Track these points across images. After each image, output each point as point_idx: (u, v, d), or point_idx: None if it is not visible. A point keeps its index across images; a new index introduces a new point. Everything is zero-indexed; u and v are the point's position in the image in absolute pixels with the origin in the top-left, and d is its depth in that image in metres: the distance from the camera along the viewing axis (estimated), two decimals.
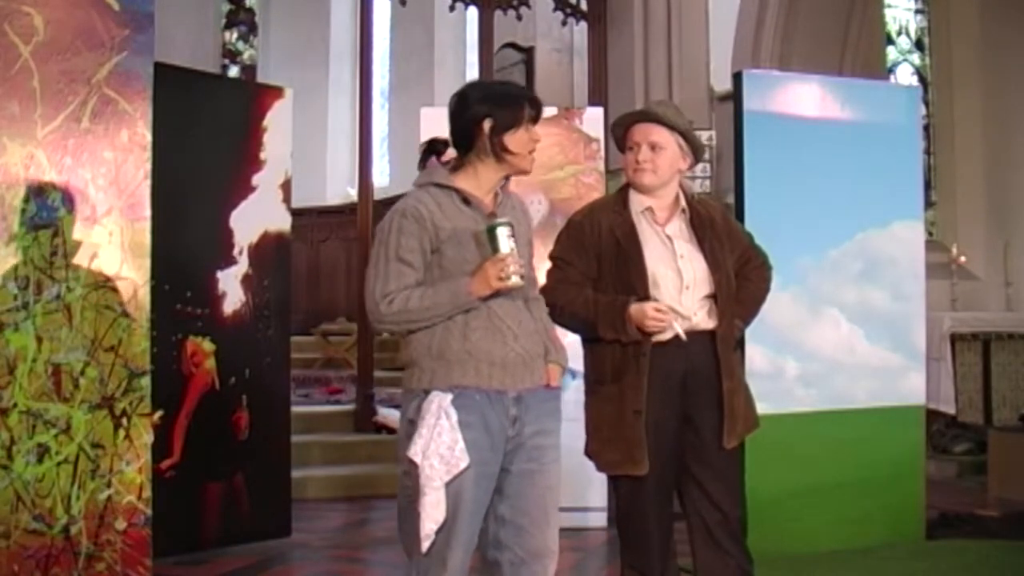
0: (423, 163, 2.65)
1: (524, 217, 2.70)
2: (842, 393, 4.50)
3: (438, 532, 2.44)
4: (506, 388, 2.51)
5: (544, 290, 2.96)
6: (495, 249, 2.45)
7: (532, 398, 2.56)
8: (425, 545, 2.44)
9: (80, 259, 3.12)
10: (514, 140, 2.55)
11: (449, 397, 2.46)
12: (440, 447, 2.42)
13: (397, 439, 2.59)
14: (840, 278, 4.56)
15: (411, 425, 2.49)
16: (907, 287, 4.68)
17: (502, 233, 2.45)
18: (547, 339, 2.64)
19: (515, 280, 2.44)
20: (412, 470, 2.45)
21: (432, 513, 2.43)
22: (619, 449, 2.83)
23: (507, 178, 2.63)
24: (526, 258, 2.58)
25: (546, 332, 2.66)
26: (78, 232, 3.12)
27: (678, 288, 2.86)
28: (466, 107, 2.56)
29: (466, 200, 2.55)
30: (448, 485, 2.43)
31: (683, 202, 2.97)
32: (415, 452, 2.43)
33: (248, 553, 4.52)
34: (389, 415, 6.50)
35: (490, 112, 2.53)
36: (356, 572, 4.39)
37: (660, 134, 2.91)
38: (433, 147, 2.65)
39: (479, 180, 2.58)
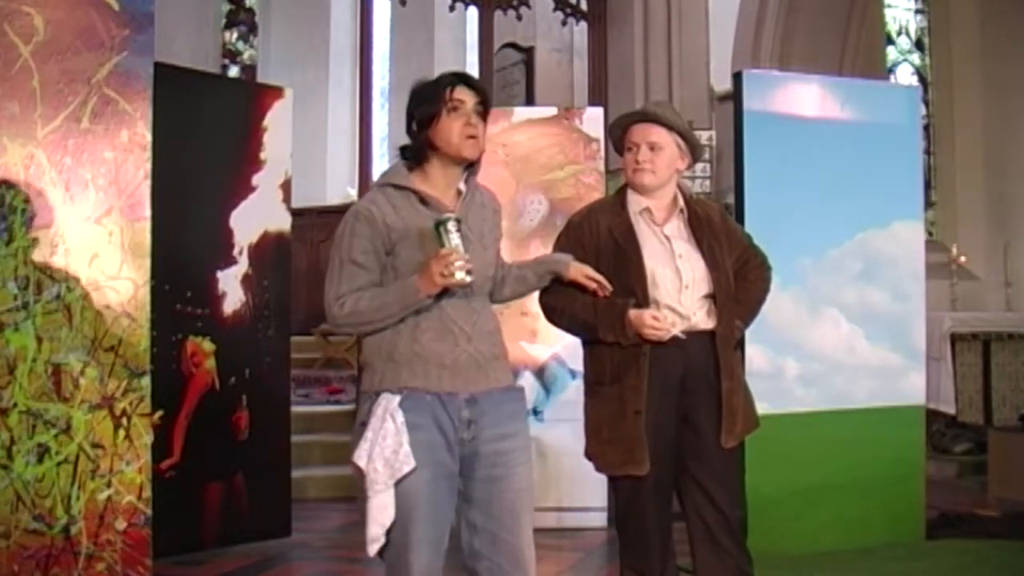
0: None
1: (491, 213, 2.63)
2: (842, 393, 4.50)
3: (390, 534, 2.39)
4: (457, 391, 2.45)
5: (543, 293, 2.97)
6: (441, 245, 2.38)
7: (487, 400, 2.49)
8: (373, 548, 2.39)
9: (80, 259, 3.12)
10: (437, 132, 2.47)
11: (396, 399, 2.40)
12: (385, 450, 2.38)
13: (350, 443, 2.52)
14: (840, 278, 4.56)
15: (362, 427, 2.45)
16: (907, 287, 4.68)
17: (444, 229, 2.38)
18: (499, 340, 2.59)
19: (460, 276, 2.36)
20: (359, 474, 2.41)
21: (377, 516, 2.38)
22: (619, 450, 2.83)
23: (469, 172, 2.55)
24: (481, 253, 2.51)
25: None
26: (78, 232, 3.12)
27: (677, 288, 2.86)
28: (407, 108, 2.55)
29: (423, 200, 2.49)
30: (398, 487, 2.38)
31: (681, 202, 2.97)
32: (360, 456, 2.39)
33: (248, 553, 4.52)
34: None
35: (411, 111, 2.52)
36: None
37: (659, 134, 2.91)
38: (403, 154, 2.60)
39: (431, 179, 2.53)
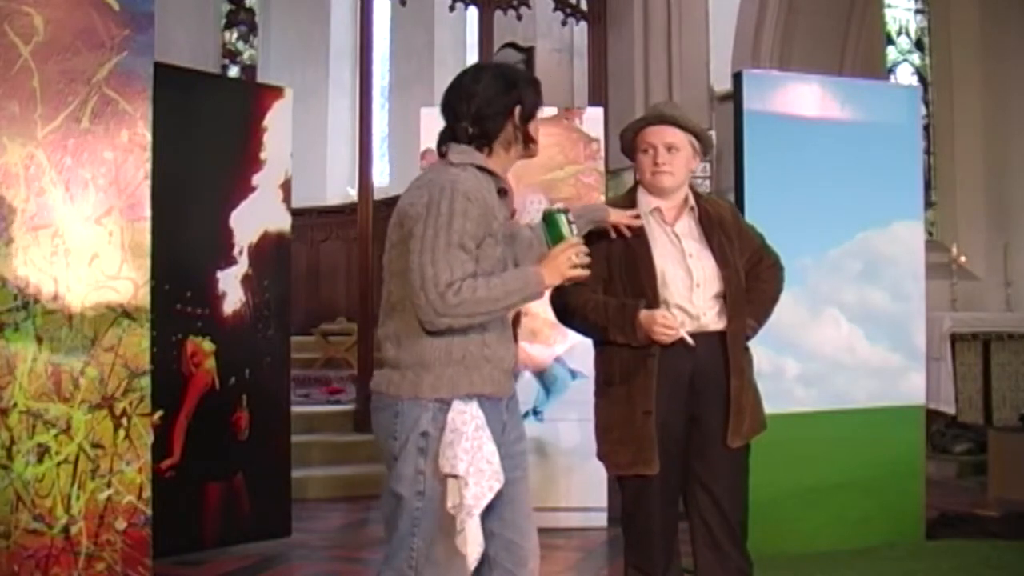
0: (440, 147, 2.47)
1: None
2: (842, 393, 4.50)
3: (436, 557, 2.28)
4: (505, 395, 2.40)
5: (555, 292, 2.97)
6: (557, 236, 2.31)
7: (513, 403, 2.47)
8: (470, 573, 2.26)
9: (80, 259, 3.12)
10: (535, 127, 2.46)
11: (476, 405, 2.28)
12: (481, 462, 2.23)
13: (396, 456, 2.32)
14: (840, 278, 4.56)
15: (424, 438, 2.27)
16: (907, 287, 4.68)
17: (563, 219, 2.32)
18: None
19: (583, 270, 2.34)
20: (439, 490, 2.25)
21: (478, 537, 2.24)
22: (630, 450, 2.83)
23: None
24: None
25: None
26: (78, 232, 3.12)
27: (688, 287, 2.86)
28: (507, 91, 2.41)
29: (502, 191, 2.41)
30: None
31: (692, 200, 2.97)
32: (462, 468, 2.20)
33: (248, 553, 4.52)
34: None
35: (523, 98, 2.41)
36: (356, 572, 4.39)
37: (675, 135, 2.92)
38: (455, 132, 2.46)
39: (500, 169, 2.45)
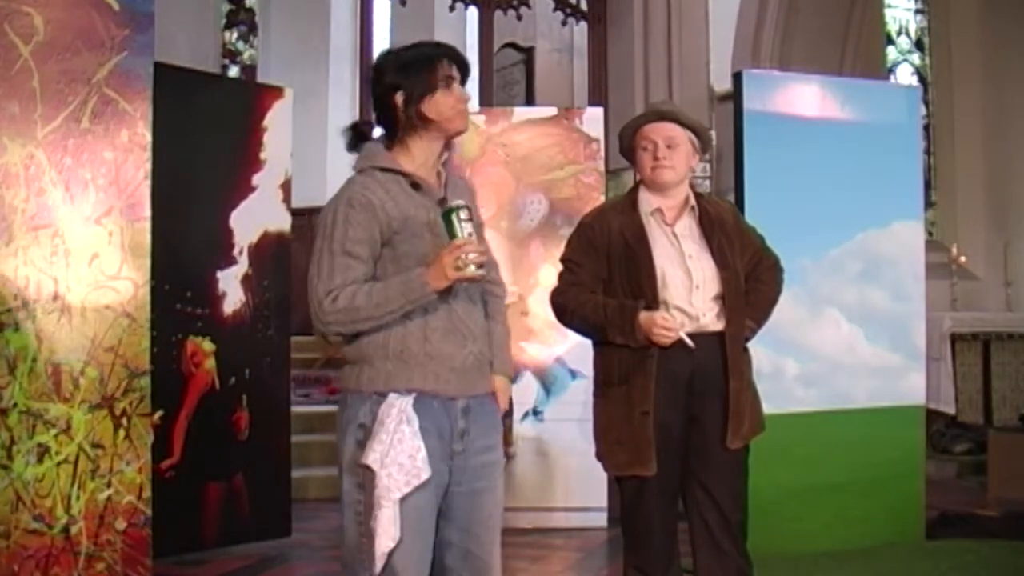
0: (353, 149, 2.43)
1: (472, 196, 2.46)
2: (842, 393, 4.50)
3: (393, 552, 2.22)
4: (458, 395, 2.32)
5: (555, 292, 2.98)
6: (452, 235, 2.22)
7: (479, 408, 2.37)
8: (379, 566, 2.22)
9: (80, 259, 3.12)
10: (432, 106, 2.32)
11: (409, 400, 2.26)
12: (400, 455, 2.21)
13: (340, 446, 2.36)
14: (840, 278, 4.56)
15: (361, 430, 2.29)
16: (907, 287, 4.68)
17: (457, 217, 2.22)
18: (490, 341, 2.42)
19: (473, 270, 2.21)
20: (367, 480, 2.25)
21: (389, 530, 2.20)
22: (628, 450, 2.83)
23: (447, 151, 2.41)
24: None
25: (490, 333, 2.44)
26: (78, 232, 3.12)
27: (688, 288, 2.86)
28: (378, 82, 2.35)
29: (415, 184, 2.33)
30: (404, 499, 2.22)
31: (692, 200, 2.97)
32: (374, 460, 2.21)
33: (248, 553, 4.52)
34: None
35: (399, 83, 2.32)
36: None
37: (675, 131, 2.92)
38: (359, 131, 2.44)
39: (415, 158, 2.36)
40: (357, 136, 2.44)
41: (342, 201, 2.31)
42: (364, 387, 2.31)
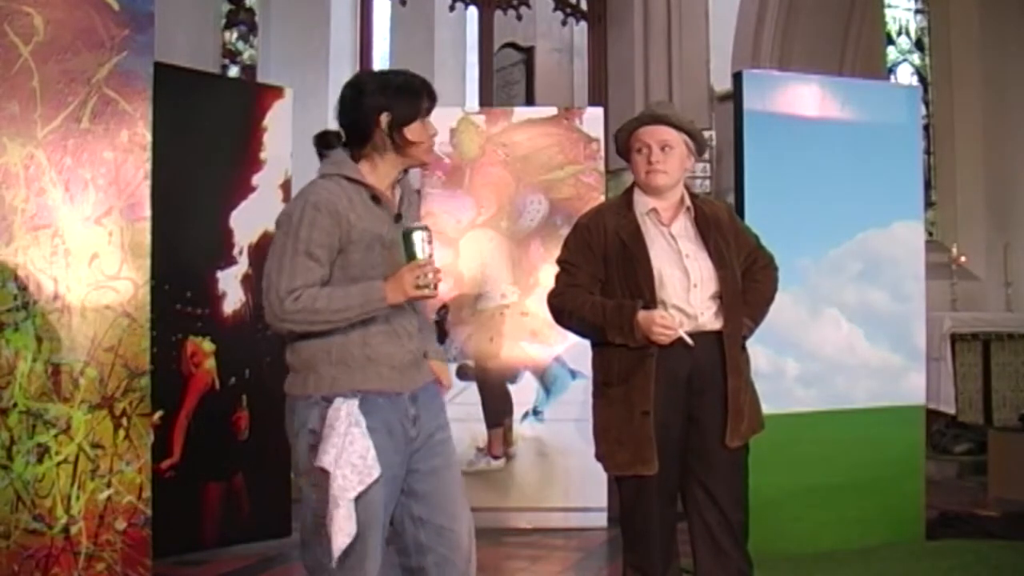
0: (321, 157, 2.55)
1: (416, 202, 2.65)
2: (842, 393, 4.50)
3: (351, 546, 2.34)
4: (404, 390, 2.46)
5: (552, 294, 2.98)
6: (411, 255, 2.36)
7: (424, 395, 2.51)
8: (336, 559, 2.33)
9: (80, 259, 3.12)
10: (413, 133, 2.47)
11: (355, 403, 2.37)
12: (352, 456, 2.32)
13: (294, 452, 2.49)
14: (840, 278, 4.56)
15: (312, 435, 2.39)
16: (907, 287, 4.67)
17: (419, 238, 2.37)
18: (428, 334, 2.60)
19: (430, 290, 2.37)
20: (322, 481, 2.34)
21: (345, 526, 2.32)
22: (628, 450, 2.83)
23: (404, 171, 2.55)
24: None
25: (426, 326, 2.61)
26: (78, 232, 3.12)
27: (685, 287, 2.86)
28: (361, 99, 2.46)
29: (375, 198, 2.45)
30: (358, 496, 2.34)
31: (688, 201, 2.98)
32: (328, 462, 2.32)
33: (248, 553, 4.52)
34: None
35: (388, 105, 2.44)
36: None
37: (669, 134, 2.92)
38: (326, 141, 2.54)
39: (379, 174, 2.48)
40: (326, 144, 2.54)
41: (309, 203, 2.39)
42: (311, 392, 2.42)
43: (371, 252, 2.41)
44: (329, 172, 2.47)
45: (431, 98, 2.51)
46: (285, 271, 2.36)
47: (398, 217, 2.48)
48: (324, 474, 2.33)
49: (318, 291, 2.36)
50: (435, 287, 2.38)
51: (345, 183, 2.44)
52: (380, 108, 2.44)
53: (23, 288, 3.02)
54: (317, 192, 2.41)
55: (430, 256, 2.37)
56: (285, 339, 2.49)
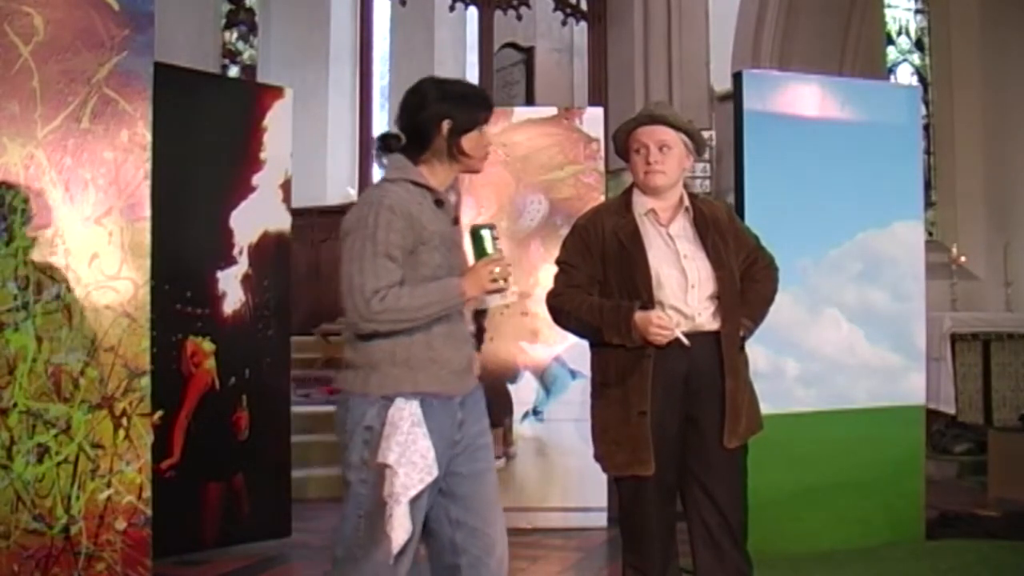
0: (380, 159, 2.62)
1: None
2: (842, 393, 4.50)
3: (385, 544, 2.39)
4: (458, 393, 2.52)
5: (550, 295, 2.98)
6: (481, 251, 2.44)
7: (471, 399, 2.58)
8: (394, 557, 2.40)
9: (80, 259, 3.12)
10: (470, 142, 2.53)
11: (417, 403, 2.42)
12: (414, 455, 2.38)
13: (345, 446, 2.53)
14: (840, 278, 4.56)
15: (368, 432, 2.44)
16: (907, 287, 4.67)
17: (488, 235, 2.45)
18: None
19: (503, 283, 2.45)
20: (378, 478, 2.40)
21: (404, 524, 2.38)
22: (625, 450, 2.84)
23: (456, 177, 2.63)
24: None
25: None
26: (78, 232, 3.12)
27: (683, 288, 2.86)
28: (424, 105, 2.53)
29: (438, 201, 2.53)
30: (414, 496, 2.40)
31: (687, 201, 2.98)
32: (392, 459, 2.37)
33: (248, 553, 4.52)
34: None
35: (449, 113, 2.51)
36: None
37: (667, 134, 2.92)
38: (387, 143, 2.61)
39: (437, 179, 2.55)
40: (387, 147, 2.60)
41: (383, 206, 2.44)
42: (371, 391, 2.46)
43: (436, 253, 2.49)
44: (395, 177, 2.53)
45: (489, 109, 2.59)
46: (368, 273, 2.41)
47: (455, 220, 2.58)
48: (378, 471, 2.39)
49: (399, 290, 2.41)
50: (507, 280, 2.46)
51: (411, 187, 2.50)
52: (442, 116, 2.51)
53: (23, 288, 3.02)
54: (389, 195, 2.47)
55: (500, 251, 2.46)
56: (348, 340, 2.54)
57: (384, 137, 2.62)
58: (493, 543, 2.57)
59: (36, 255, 3.05)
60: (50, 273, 3.07)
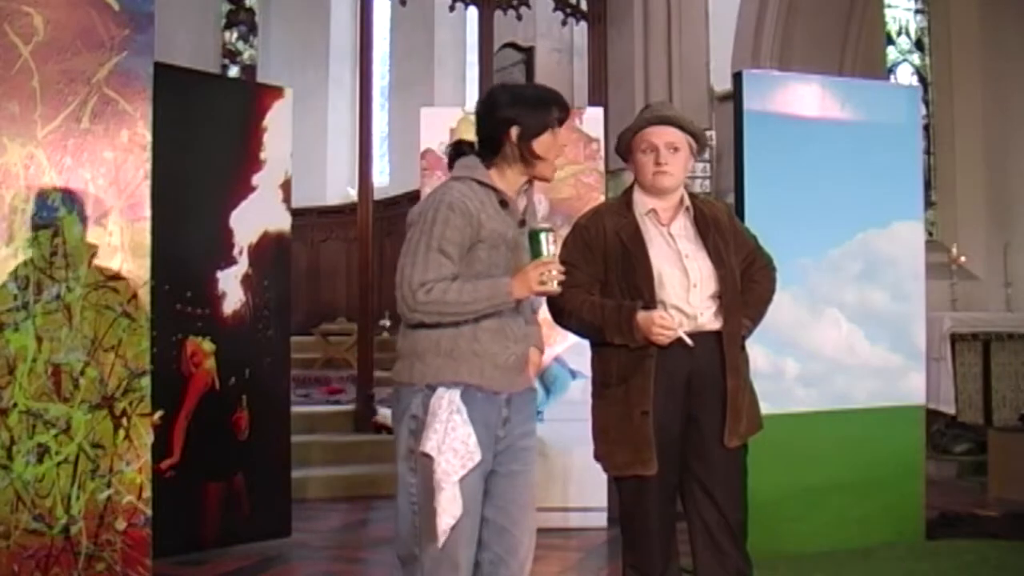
0: (452, 165, 2.67)
1: (536, 216, 2.77)
2: (842, 393, 4.50)
3: (452, 528, 2.45)
4: (503, 390, 2.55)
5: (551, 295, 2.98)
6: (536, 253, 2.48)
7: (519, 399, 2.61)
8: (442, 541, 2.44)
9: (80, 259, 3.12)
10: (541, 145, 2.58)
11: (457, 392, 2.47)
12: (454, 441, 2.44)
13: (396, 436, 2.59)
14: (840, 278, 4.56)
15: (414, 420, 2.50)
16: (907, 287, 4.68)
17: (546, 238, 2.49)
18: (534, 329, 2.68)
19: (554, 287, 2.48)
20: (425, 466, 2.45)
21: (449, 508, 2.43)
22: (627, 450, 2.84)
23: (529, 184, 2.68)
24: None
25: (533, 322, 2.69)
26: (78, 232, 3.12)
27: (685, 287, 2.86)
28: (494, 111, 2.59)
29: (503, 202, 2.57)
30: (461, 480, 2.44)
31: (687, 201, 2.98)
32: (432, 447, 2.43)
33: (248, 553, 4.52)
34: (389, 415, 6.50)
35: (517, 118, 2.56)
36: (356, 572, 4.39)
37: (676, 135, 2.93)
38: (460, 149, 2.67)
39: (507, 182, 2.61)
40: (459, 153, 2.67)
41: (443, 203, 2.51)
42: (416, 381, 2.52)
43: (496, 252, 2.54)
44: (461, 175, 2.60)
45: (562, 109, 2.62)
46: (418, 265, 2.47)
47: (522, 222, 2.61)
48: (426, 460, 2.45)
49: (448, 284, 2.46)
50: (558, 284, 2.50)
51: (476, 186, 2.56)
52: (510, 121, 2.56)
53: (23, 288, 3.02)
54: (451, 193, 2.53)
55: (554, 255, 2.50)
56: (400, 329, 2.59)
57: (457, 144, 2.69)
58: (518, 544, 2.60)
59: (36, 255, 3.05)
60: (50, 273, 3.07)
